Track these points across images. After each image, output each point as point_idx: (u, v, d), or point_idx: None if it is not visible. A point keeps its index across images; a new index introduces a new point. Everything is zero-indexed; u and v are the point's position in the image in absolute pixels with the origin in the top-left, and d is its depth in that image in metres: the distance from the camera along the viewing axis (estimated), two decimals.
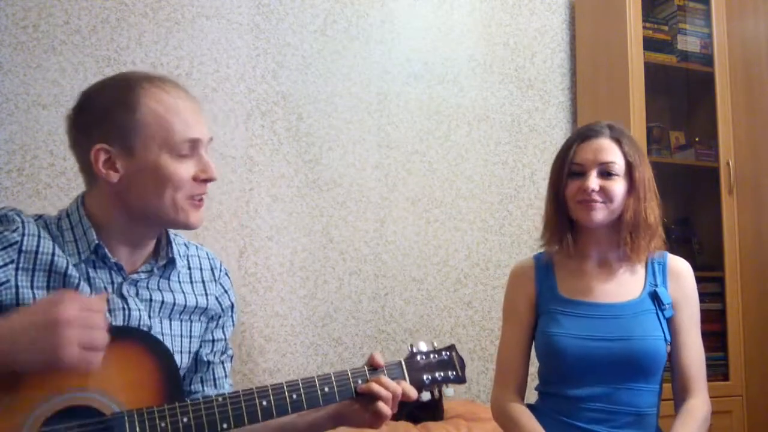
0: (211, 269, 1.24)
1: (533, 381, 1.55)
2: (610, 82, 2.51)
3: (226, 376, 1.25)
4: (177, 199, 1.07)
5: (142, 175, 1.05)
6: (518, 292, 1.55)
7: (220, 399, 1.03)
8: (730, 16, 2.56)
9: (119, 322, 1.06)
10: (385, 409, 1.09)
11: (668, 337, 1.42)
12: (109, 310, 1.06)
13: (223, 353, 1.25)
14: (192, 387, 1.21)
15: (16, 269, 1.00)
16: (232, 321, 1.27)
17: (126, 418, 0.97)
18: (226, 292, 1.25)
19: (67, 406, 0.96)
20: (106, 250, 1.08)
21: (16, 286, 1.00)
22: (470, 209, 2.55)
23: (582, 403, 1.40)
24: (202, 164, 1.09)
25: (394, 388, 1.11)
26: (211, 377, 1.22)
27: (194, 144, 1.08)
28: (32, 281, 1.01)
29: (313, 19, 2.39)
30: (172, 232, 1.19)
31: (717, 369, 2.36)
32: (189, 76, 2.19)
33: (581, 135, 1.50)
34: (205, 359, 1.21)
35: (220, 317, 1.24)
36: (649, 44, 2.50)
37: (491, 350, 2.49)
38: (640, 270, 1.49)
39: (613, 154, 1.44)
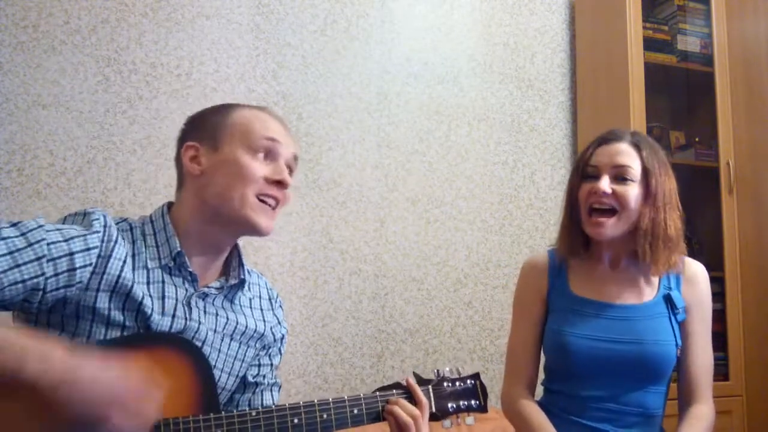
0: (269, 299, 1.28)
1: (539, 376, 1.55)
2: (610, 82, 2.51)
3: (273, 403, 1.26)
4: (246, 194, 1.10)
5: (220, 168, 1.11)
6: (529, 286, 1.53)
7: (253, 413, 1.05)
8: (730, 16, 2.56)
9: (178, 329, 1.08)
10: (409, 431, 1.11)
11: (679, 342, 1.41)
12: (173, 317, 1.08)
13: (271, 380, 1.28)
14: (236, 410, 1.22)
15: (92, 273, 1.01)
16: (280, 351, 1.31)
17: (162, 426, 0.98)
18: (279, 323, 1.29)
19: None
20: (186, 259, 1.11)
21: (92, 290, 1.01)
22: (470, 209, 2.55)
23: (589, 403, 1.39)
24: (277, 168, 1.14)
25: (410, 410, 1.12)
26: (260, 401, 1.24)
27: (271, 144, 1.13)
28: (100, 285, 1.02)
29: (313, 19, 2.39)
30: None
31: (717, 369, 2.32)
32: (189, 76, 2.20)
33: (601, 138, 1.46)
34: (252, 380, 1.24)
35: (270, 347, 1.27)
36: (649, 44, 2.50)
37: (491, 350, 2.49)
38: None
39: (629, 158, 1.40)
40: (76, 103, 2.06)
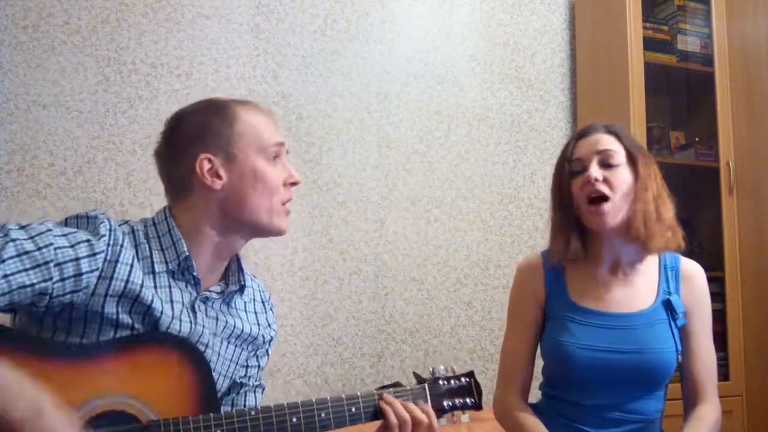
0: (262, 302, 1.29)
1: (536, 379, 1.53)
2: (610, 82, 2.51)
3: (256, 405, 1.26)
4: (273, 202, 1.14)
5: (243, 180, 1.12)
6: (526, 290, 1.49)
7: (252, 413, 1.05)
8: (730, 16, 2.56)
9: (184, 333, 1.09)
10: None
11: (680, 347, 1.39)
12: (180, 320, 1.08)
13: (256, 382, 1.28)
14: (222, 410, 1.22)
15: (99, 278, 1.01)
16: (267, 353, 1.31)
17: (162, 426, 0.99)
18: (270, 325, 1.29)
19: (106, 410, 0.97)
20: (193, 263, 1.11)
21: (100, 295, 1.01)
22: (470, 209, 2.55)
23: (590, 411, 1.38)
24: (287, 170, 1.18)
25: (401, 413, 1.12)
26: (242, 402, 1.24)
27: (280, 148, 1.17)
28: (108, 290, 1.01)
29: (313, 19, 2.39)
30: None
31: (717, 369, 2.35)
32: (189, 76, 2.20)
33: (578, 134, 1.48)
34: (238, 381, 1.24)
35: (259, 348, 1.28)
36: (649, 44, 2.50)
37: (491, 350, 2.49)
38: (653, 275, 1.45)
39: (610, 143, 1.41)
40: (76, 103, 2.06)
